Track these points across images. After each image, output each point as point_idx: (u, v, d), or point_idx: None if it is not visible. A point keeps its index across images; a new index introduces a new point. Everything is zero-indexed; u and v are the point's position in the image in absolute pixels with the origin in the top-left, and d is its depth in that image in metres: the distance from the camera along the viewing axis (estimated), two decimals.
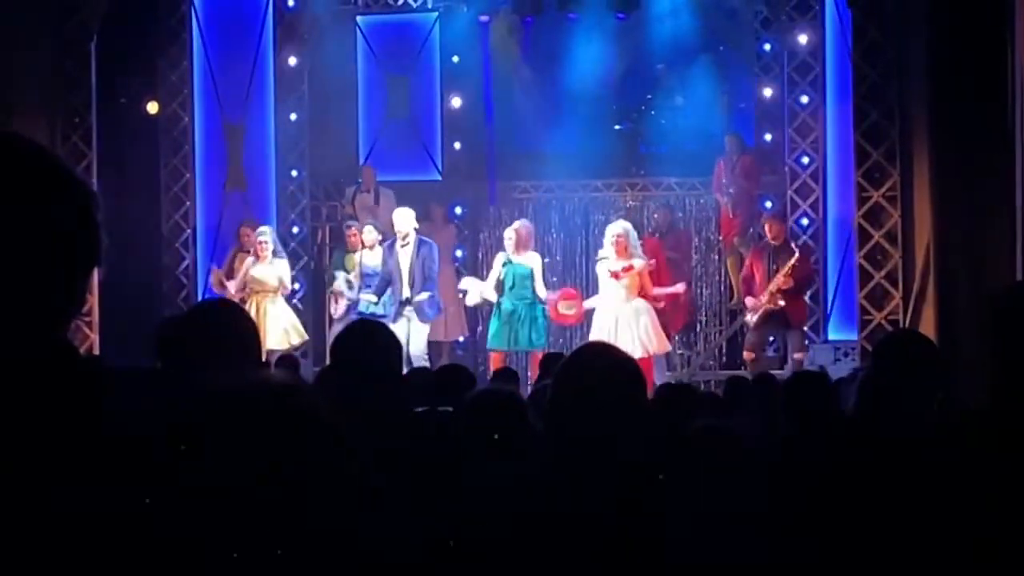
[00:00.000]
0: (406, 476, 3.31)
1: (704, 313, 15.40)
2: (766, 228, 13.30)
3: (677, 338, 14.87)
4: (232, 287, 13.37)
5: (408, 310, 12.50)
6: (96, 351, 13.17)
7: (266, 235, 13.32)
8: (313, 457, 1.58)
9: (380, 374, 4.00)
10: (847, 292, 13.63)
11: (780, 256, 12.96)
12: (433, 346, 13.81)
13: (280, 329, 13.08)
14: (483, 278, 13.34)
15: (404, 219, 12.88)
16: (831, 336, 13.93)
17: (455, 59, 15.67)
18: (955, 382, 7.62)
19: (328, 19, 15.27)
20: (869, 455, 2.94)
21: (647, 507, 3.00)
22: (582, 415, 3.10)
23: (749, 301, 13.13)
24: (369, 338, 4.22)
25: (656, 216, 15.06)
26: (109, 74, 14.13)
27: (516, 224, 13.13)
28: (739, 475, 3.88)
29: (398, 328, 11.35)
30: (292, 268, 14.16)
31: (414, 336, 12.49)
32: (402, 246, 12.76)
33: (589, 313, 12.78)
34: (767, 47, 14.85)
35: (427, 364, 11.79)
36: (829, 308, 13.99)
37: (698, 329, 15.31)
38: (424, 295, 12.49)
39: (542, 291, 12.68)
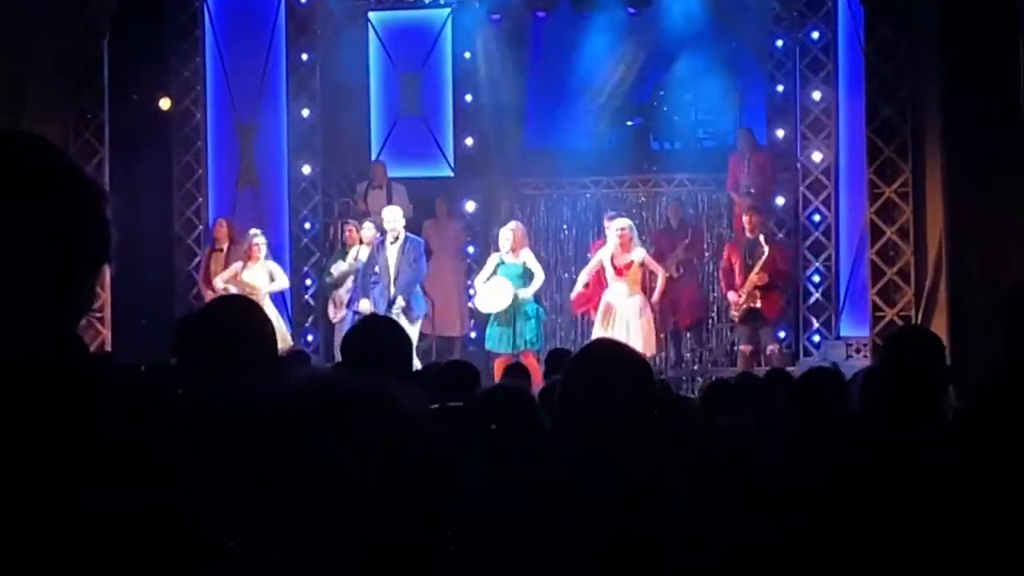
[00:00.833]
0: (414, 472, 3.30)
1: (715, 310, 15.38)
2: (744, 220, 13.33)
3: (688, 335, 14.89)
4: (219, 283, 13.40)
5: (395, 309, 12.34)
6: (108, 347, 13.20)
7: (260, 239, 13.35)
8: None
9: (392, 371, 3.99)
10: (859, 288, 13.61)
11: (756, 249, 13.03)
12: (444, 342, 13.82)
13: None
14: None
15: (394, 217, 12.83)
16: (843, 332, 13.92)
17: (467, 55, 15.67)
18: (967, 378, 7.60)
19: (340, 16, 15.28)
20: (870, 455, 2.94)
21: (650, 507, 3.00)
22: (591, 411, 3.10)
23: (731, 297, 13.21)
24: (380, 334, 4.22)
25: (668, 212, 15.06)
26: (121, 71, 14.14)
27: (512, 224, 13.09)
28: (745, 473, 3.88)
29: None
30: (304, 264, 14.16)
31: None
32: (391, 243, 12.72)
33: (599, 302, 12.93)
34: (779, 43, 14.82)
35: (417, 362, 11.74)
36: (841, 304, 13.97)
37: (709, 326, 15.30)
38: (401, 303, 12.38)
39: (538, 282, 12.72)
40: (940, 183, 12.05)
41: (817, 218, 14.27)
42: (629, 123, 15.63)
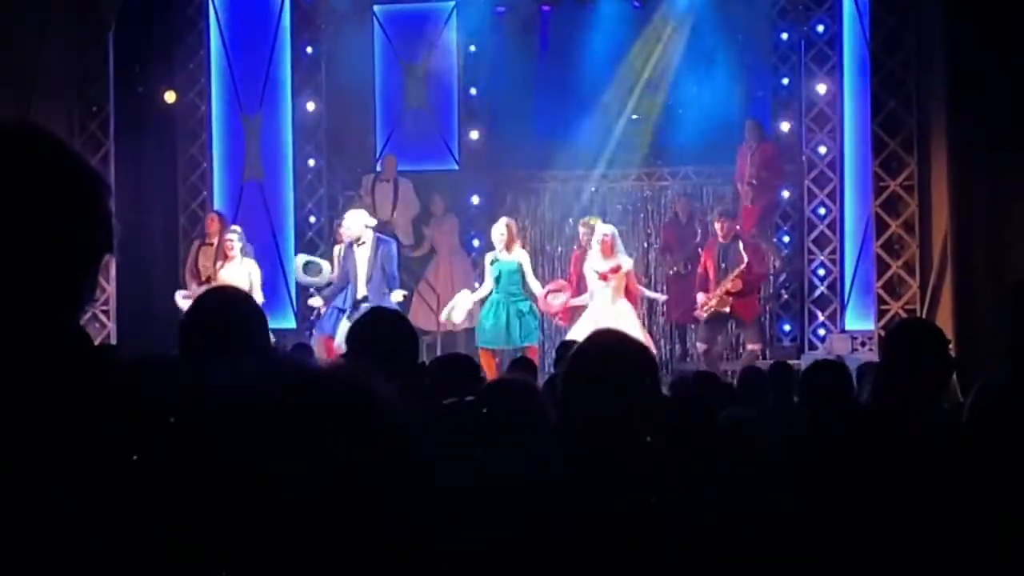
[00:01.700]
0: (414, 472, 3.29)
1: None
2: (717, 226, 13.21)
3: (694, 328, 14.85)
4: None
5: (364, 307, 12.18)
6: (113, 340, 13.21)
7: (234, 236, 13.04)
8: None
9: (398, 363, 3.97)
10: (864, 282, 13.59)
11: (730, 255, 12.90)
12: (448, 336, 13.81)
13: None
14: None
15: (355, 222, 12.67)
16: (848, 326, 13.91)
17: (472, 49, 15.66)
18: (973, 371, 7.60)
19: (345, 8, 15.25)
20: (870, 455, 2.93)
21: (652, 506, 2.99)
22: (592, 408, 3.08)
23: (700, 298, 13.06)
24: (385, 327, 4.21)
25: (676, 206, 15.04)
26: (126, 64, 14.16)
27: (504, 220, 12.92)
28: (759, 465, 3.86)
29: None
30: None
31: None
32: (358, 246, 12.65)
33: (579, 310, 12.73)
34: (784, 36, 14.79)
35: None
36: (846, 298, 13.97)
37: None
38: (366, 306, 12.16)
39: (535, 285, 12.66)
40: (945, 176, 12.02)
41: (822, 211, 14.26)
42: (635, 116, 15.59)
